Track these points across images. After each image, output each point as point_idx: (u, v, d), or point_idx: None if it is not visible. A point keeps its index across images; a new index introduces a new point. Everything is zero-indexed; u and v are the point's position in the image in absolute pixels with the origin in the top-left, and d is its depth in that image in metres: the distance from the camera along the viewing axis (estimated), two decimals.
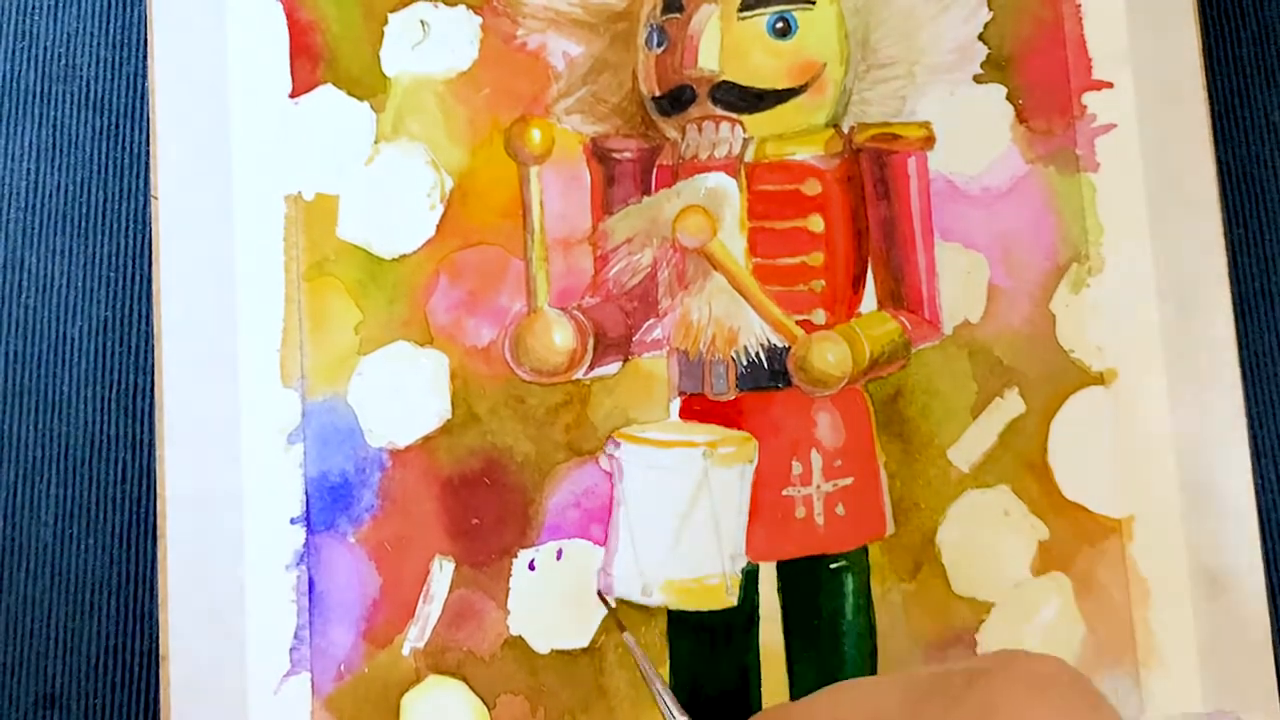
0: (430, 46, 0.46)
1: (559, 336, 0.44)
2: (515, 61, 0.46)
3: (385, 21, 0.46)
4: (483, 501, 0.44)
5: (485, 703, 0.43)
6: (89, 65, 0.49)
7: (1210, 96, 0.46)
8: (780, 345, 0.44)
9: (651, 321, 0.45)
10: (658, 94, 0.46)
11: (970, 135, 0.46)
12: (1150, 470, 0.44)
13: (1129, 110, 0.46)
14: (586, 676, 0.43)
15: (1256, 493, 0.44)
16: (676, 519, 0.43)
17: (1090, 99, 0.46)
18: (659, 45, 0.45)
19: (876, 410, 0.45)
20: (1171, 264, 0.45)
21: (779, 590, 0.44)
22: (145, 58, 0.47)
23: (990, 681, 0.30)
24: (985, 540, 0.44)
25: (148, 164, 0.46)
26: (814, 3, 0.45)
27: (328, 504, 0.44)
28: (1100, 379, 0.45)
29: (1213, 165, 0.45)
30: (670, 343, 0.45)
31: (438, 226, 0.45)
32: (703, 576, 0.43)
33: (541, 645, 0.43)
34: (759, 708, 0.44)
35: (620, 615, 0.43)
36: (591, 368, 0.45)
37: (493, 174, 0.45)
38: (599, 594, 0.43)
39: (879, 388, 0.45)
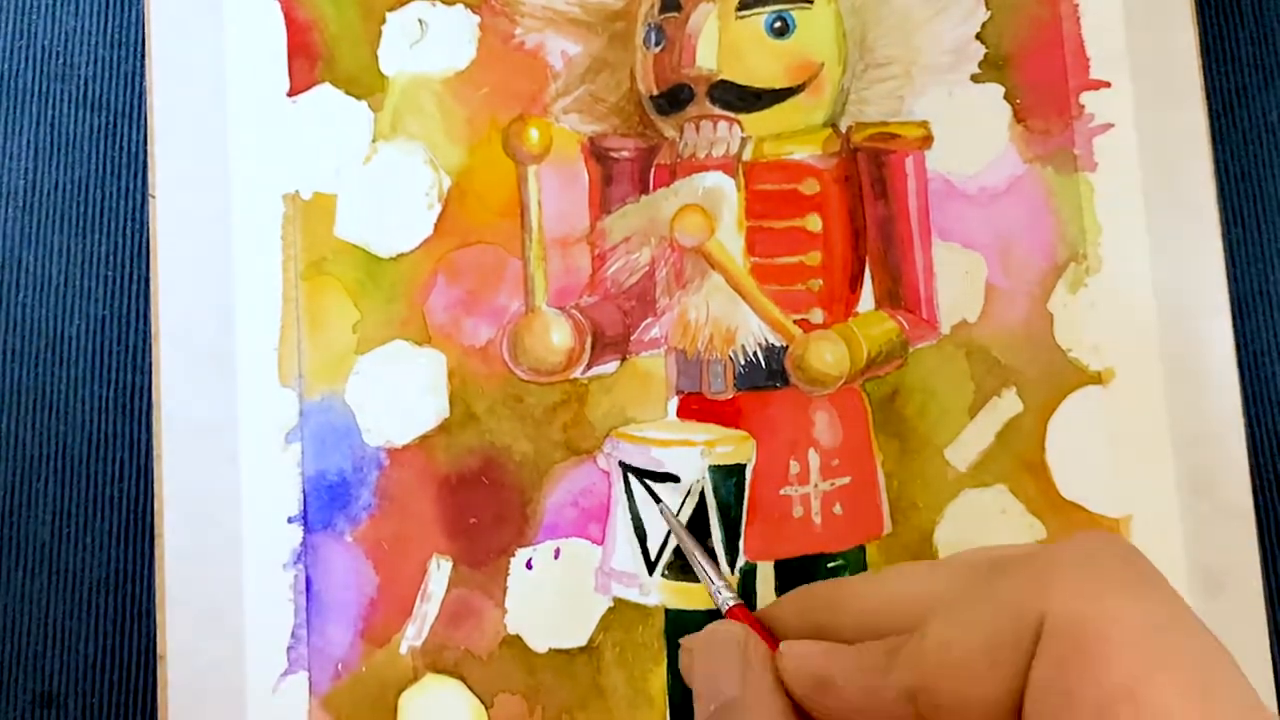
0: (428, 46, 0.46)
1: (557, 336, 0.44)
2: (513, 61, 0.46)
3: (383, 20, 0.46)
4: (480, 500, 0.44)
5: (483, 702, 0.43)
6: (87, 64, 0.49)
7: (1208, 96, 0.46)
8: (778, 344, 0.44)
9: (649, 320, 0.45)
10: (655, 93, 0.46)
11: (968, 135, 0.46)
12: (1148, 469, 0.44)
13: (1127, 110, 0.46)
14: (584, 675, 0.43)
15: (1254, 493, 0.44)
16: (674, 518, 0.43)
17: (1088, 99, 0.46)
18: (657, 44, 0.45)
19: (874, 409, 0.45)
20: (1169, 263, 0.45)
21: (776, 590, 0.44)
22: (143, 57, 0.47)
23: (1049, 557, 0.29)
24: (982, 539, 0.44)
25: (145, 163, 0.46)
26: (812, 2, 0.45)
27: (325, 503, 0.44)
28: (1098, 378, 0.45)
29: (1211, 165, 0.45)
30: (668, 342, 0.45)
31: (435, 226, 0.45)
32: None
33: (539, 644, 0.43)
34: None
35: (617, 614, 0.43)
36: (589, 367, 0.45)
37: (491, 173, 0.45)
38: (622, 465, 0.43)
39: (876, 387, 0.45)
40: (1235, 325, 0.44)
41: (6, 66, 0.49)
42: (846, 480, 0.44)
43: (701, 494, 0.43)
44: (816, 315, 0.45)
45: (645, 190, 0.46)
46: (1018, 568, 0.29)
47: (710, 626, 0.35)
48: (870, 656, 0.31)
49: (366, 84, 0.46)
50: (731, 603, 0.36)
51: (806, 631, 0.34)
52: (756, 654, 0.34)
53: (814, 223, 0.45)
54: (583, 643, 0.43)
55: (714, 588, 0.37)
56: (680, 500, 0.43)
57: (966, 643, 0.28)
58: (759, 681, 0.33)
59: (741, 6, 0.45)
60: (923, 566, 0.33)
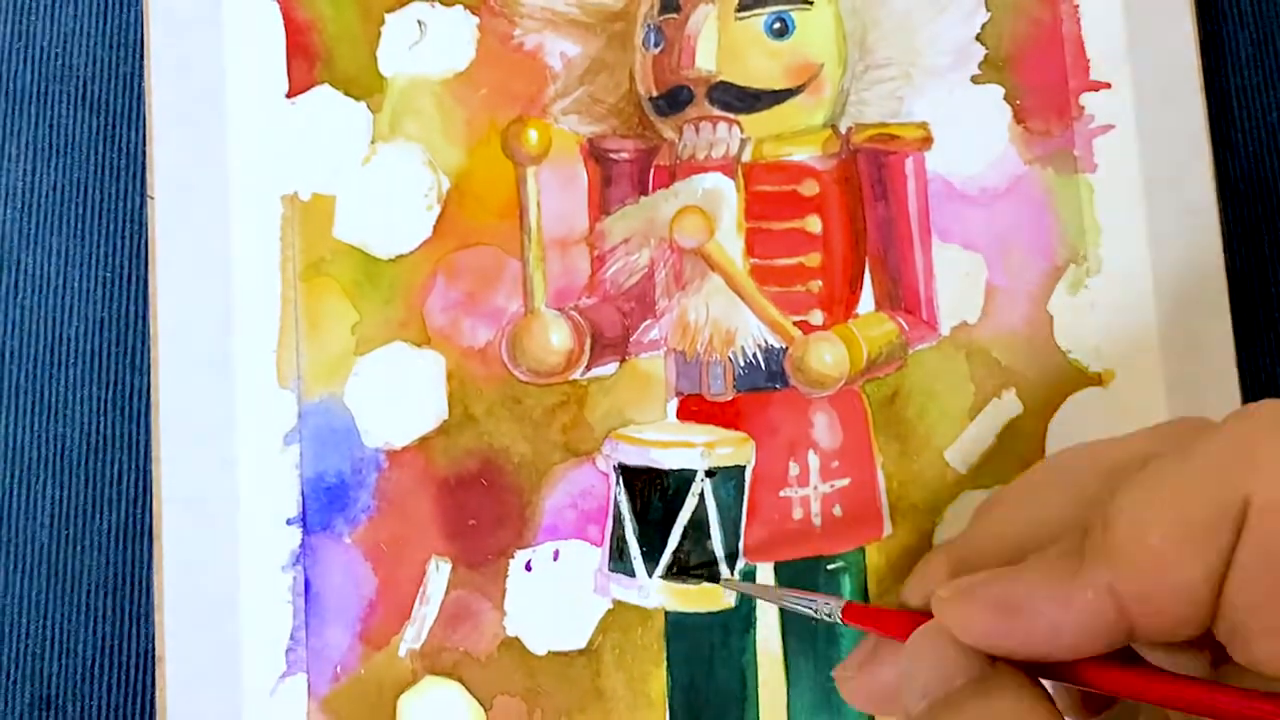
0: (427, 47, 0.46)
1: (556, 337, 0.44)
2: (512, 62, 0.46)
3: (382, 21, 0.46)
4: (479, 502, 0.44)
5: (482, 704, 0.43)
6: (85, 65, 0.49)
7: (1208, 97, 0.46)
8: (778, 346, 0.44)
9: (649, 322, 0.45)
10: (655, 94, 0.46)
11: (968, 136, 0.45)
12: None
13: (1127, 111, 0.45)
14: (584, 678, 0.43)
15: None
16: (674, 520, 0.43)
17: (1088, 99, 0.46)
18: (656, 45, 0.45)
19: (874, 411, 0.44)
20: (1170, 265, 0.45)
21: None
22: (142, 58, 0.46)
23: (1239, 437, 0.28)
24: None
25: (144, 164, 0.46)
26: (811, 3, 0.45)
27: (324, 505, 0.44)
28: (1098, 380, 0.45)
29: (1211, 166, 0.45)
30: (667, 343, 0.45)
31: (434, 227, 0.45)
32: (700, 578, 0.43)
33: (538, 646, 0.43)
34: (756, 710, 0.44)
35: (617, 616, 0.43)
36: (588, 368, 0.44)
37: (490, 174, 0.45)
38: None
39: (876, 389, 0.45)
40: (1236, 327, 0.44)
41: (4, 67, 0.49)
42: (846, 482, 0.44)
43: (701, 496, 0.43)
44: (816, 316, 0.45)
45: (644, 191, 0.45)
46: (1211, 447, 0.28)
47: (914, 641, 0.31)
48: (1051, 562, 0.29)
49: (365, 85, 0.46)
50: (839, 610, 0.34)
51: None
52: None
53: (814, 224, 0.45)
54: (582, 645, 0.43)
55: (812, 606, 0.35)
56: (679, 501, 0.43)
57: (1164, 527, 0.27)
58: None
59: (741, 7, 0.44)
60: (1055, 467, 0.32)
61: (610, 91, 0.46)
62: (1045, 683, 0.30)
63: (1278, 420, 0.28)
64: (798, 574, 0.44)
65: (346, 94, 0.46)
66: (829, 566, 0.44)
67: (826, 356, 0.43)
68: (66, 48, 0.50)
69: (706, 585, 0.43)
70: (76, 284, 0.48)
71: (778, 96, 0.45)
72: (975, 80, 0.46)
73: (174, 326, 0.44)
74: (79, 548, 0.46)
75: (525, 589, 0.44)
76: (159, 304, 0.44)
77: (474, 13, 0.46)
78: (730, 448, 0.44)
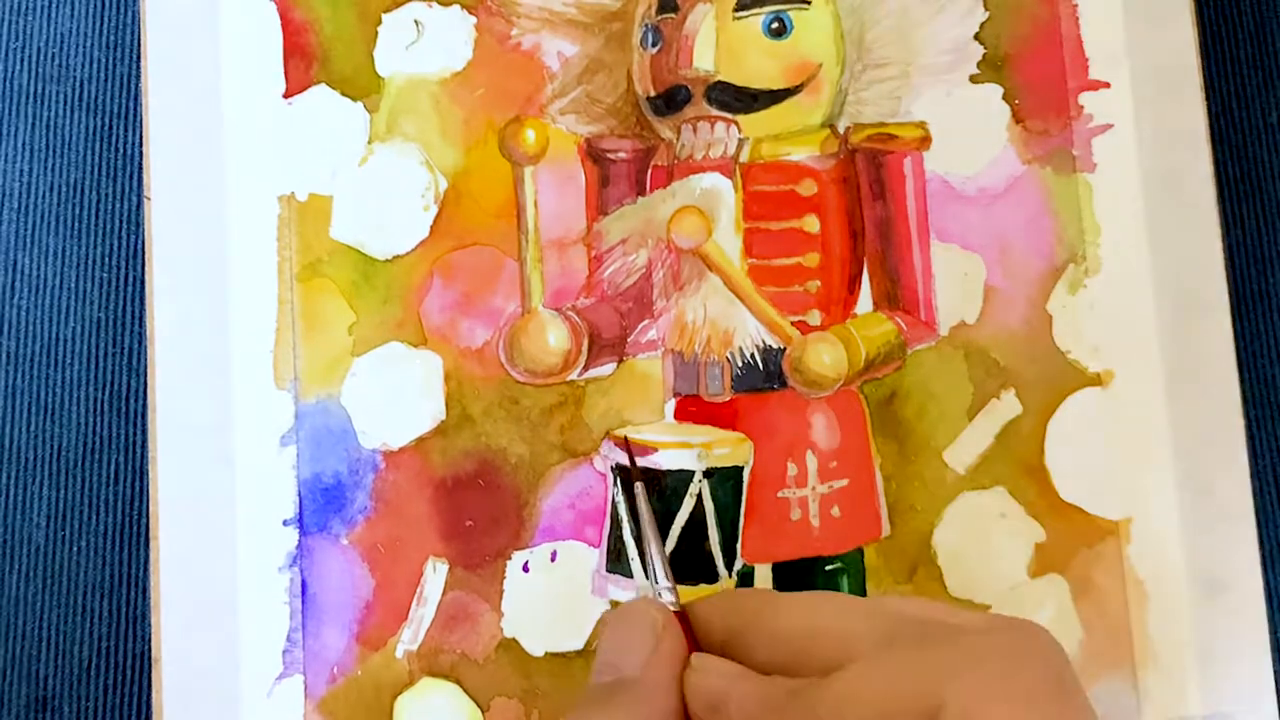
0: (424, 46, 0.46)
1: (553, 337, 0.44)
2: (510, 61, 0.46)
3: (379, 21, 0.46)
4: (477, 503, 0.44)
5: (479, 705, 0.43)
6: (82, 66, 0.49)
7: (1207, 97, 0.45)
8: (776, 346, 0.44)
9: (646, 322, 0.45)
10: (653, 94, 0.45)
11: (967, 135, 0.45)
12: (1148, 472, 0.44)
13: (1126, 110, 0.45)
14: (581, 679, 0.43)
15: (1254, 494, 0.44)
16: (672, 521, 0.43)
17: (1087, 99, 0.45)
18: (654, 45, 0.45)
19: (872, 412, 0.44)
20: (1169, 265, 0.45)
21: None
22: (138, 58, 0.46)
23: (968, 644, 0.29)
24: (981, 542, 0.44)
25: (141, 165, 0.46)
26: (809, 3, 0.45)
27: (321, 506, 0.44)
28: (1097, 380, 0.44)
29: (1210, 165, 0.45)
30: (665, 344, 0.45)
31: (432, 227, 0.45)
32: (698, 579, 0.43)
33: (536, 648, 0.43)
34: None
35: None
36: (586, 369, 0.44)
37: (487, 174, 0.45)
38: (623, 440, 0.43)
39: (874, 389, 0.44)
40: (1235, 326, 0.44)
41: (2, 68, 0.49)
42: (844, 483, 0.44)
43: (699, 496, 0.43)
44: (814, 317, 0.44)
45: (642, 191, 0.45)
46: (935, 648, 0.29)
47: (634, 601, 0.35)
48: (773, 691, 0.31)
49: (362, 85, 0.46)
50: (671, 609, 0.36)
51: (725, 636, 0.33)
52: (668, 645, 0.33)
53: (812, 224, 0.45)
54: (579, 646, 0.43)
55: (657, 587, 0.36)
56: (677, 502, 0.43)
57: (863, 708, 0.29)
58: (660, 673, 0.33)
59: (739, 7, 0.44)
60: (855, 605, 0.33)
61: (608, 91, 0.46)
62: None
63: (1004, 647, 0.29)
64: (796, 575, 0.44)
65: (343, 94, 0.46)
66: (827, 567, 0.44)
67: (825, 357, 0.43)
68: (63, 48, 0.49)
69: (704, 586, 0.43)
70: (73, 285, 0.48)
71: (776, 96, 0.45)
72: (974, 80, 0.46)
73: (171, 327, 0.44)
74: (75, 549, 0.46)
75: (523, 590, 0.43)
76: (156, 305, 0.44)
77: (471, 12, 0.46)
78: (728, 448, 0.44)
